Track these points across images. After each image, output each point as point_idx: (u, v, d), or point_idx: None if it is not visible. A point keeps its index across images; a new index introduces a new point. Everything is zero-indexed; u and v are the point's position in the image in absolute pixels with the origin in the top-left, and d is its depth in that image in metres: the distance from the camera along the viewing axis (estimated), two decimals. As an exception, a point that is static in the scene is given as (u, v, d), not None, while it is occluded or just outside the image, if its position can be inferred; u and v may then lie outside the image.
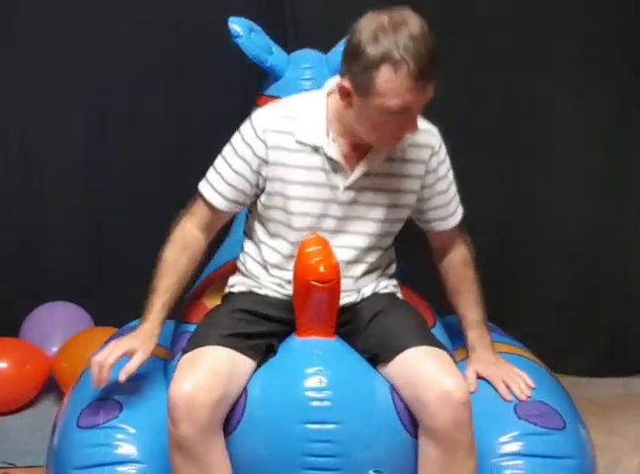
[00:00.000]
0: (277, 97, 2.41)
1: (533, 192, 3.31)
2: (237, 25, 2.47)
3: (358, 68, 1.65)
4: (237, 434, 1.74)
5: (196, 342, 1.79)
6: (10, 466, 2.48)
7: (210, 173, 1.93)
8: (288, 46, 2.71)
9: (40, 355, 2.92)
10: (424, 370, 1.72)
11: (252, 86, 2.99)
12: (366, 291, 1.95)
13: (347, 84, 1.70)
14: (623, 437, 2.75)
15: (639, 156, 3.30)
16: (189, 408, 1.64)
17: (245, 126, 1.88)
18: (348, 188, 1.85)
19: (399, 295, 2.03)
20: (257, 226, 1.96)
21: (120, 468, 1.75)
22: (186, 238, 1.92)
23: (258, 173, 1.86)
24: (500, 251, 3.29)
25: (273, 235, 1.92)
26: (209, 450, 1.68)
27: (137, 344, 1.81)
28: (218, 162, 1.92)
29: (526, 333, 2.36)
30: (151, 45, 3.15)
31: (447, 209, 1.99)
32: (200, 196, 1.94)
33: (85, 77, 3.19)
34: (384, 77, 1.61)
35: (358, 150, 1.84)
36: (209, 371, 1.69)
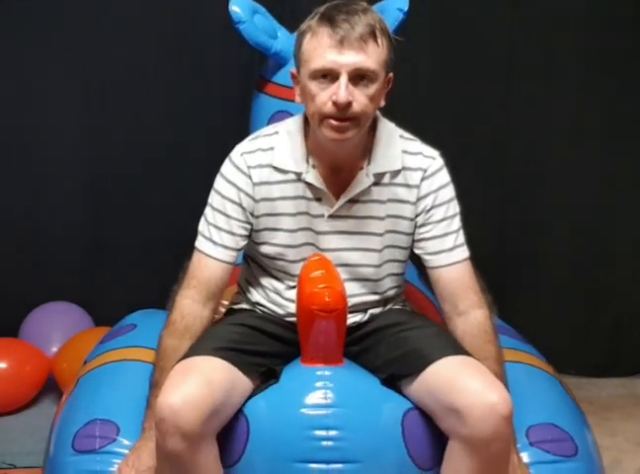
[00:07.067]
0: (285, 86, 2.19)
1: (534, 192, 3.31)
2: (238, 7, 2.22)
3: (295, 49, 1.71)
4: (239, 467, 1.65)
5: (190, 352, 1.68)
6: (10, 467, 2.47)
7: (204, 227, 1.78)
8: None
9: (40, 356, 2.91)
10: (464, 381, 1.58)
11: (252, 85, 2.99)
12: (375, 310, 1.85)
13: (294, 70, 1.74)
14: (623, 438, 2.75)
15: (639, 156, 3.30)
16: (175, 421, 1.51)
17: (226, 167, 1.78)
18: (332, 216, 1.76)
19: (408, 310, 1.93)
20: (254, 258, 1.86)
21: None
22: (185, 318, 1.73)
23: (248, 211, 1.77)
24: (500, 251, 3.29)
25: (266, 268, 1.84)
26: (200, 463, 1.57)
27: (148, 464, 1.67)
28: (209, 214, 1.78)
29: (527, 333, 2.36)
30: (150, 43, 3.14)
31: (443, 243, 1.77)
32: (201, 256, 1.77)
33: (85, 77, 3.18)
34: (307, 40, 1.67)
35: (340, 176, 1.75)
36: (201, 382, 1.56)
